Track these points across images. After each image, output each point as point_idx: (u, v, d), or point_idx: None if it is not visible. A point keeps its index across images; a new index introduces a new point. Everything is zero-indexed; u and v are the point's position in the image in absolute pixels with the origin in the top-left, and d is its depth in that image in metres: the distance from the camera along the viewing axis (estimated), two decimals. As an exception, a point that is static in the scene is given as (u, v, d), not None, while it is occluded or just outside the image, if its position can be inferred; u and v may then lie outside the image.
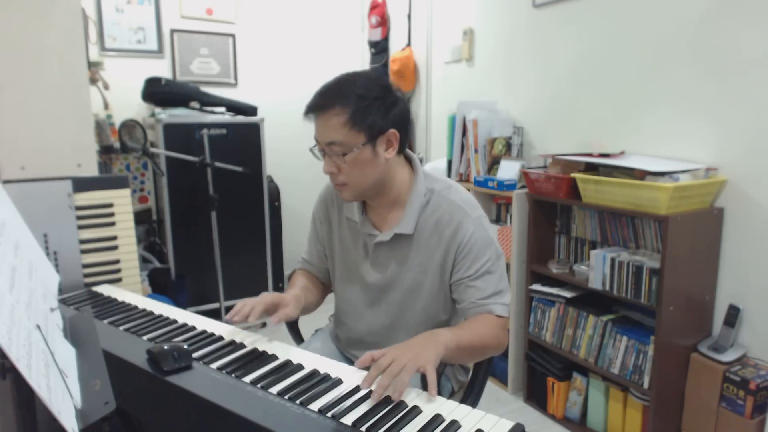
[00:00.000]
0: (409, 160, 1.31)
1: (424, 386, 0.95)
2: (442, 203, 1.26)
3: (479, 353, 1.22)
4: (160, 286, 2.88)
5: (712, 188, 1.94)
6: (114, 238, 1.72)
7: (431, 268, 1.26)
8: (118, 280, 1.71)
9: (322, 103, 1.16)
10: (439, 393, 0.95)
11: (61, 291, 1.21)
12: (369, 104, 1.15)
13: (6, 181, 1.61)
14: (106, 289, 1.54)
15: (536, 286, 2.39)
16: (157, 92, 3.05)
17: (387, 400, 0.92)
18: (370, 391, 0.93)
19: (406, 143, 1.25)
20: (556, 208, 2.44)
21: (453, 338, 1.09)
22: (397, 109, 1.20)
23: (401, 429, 0.84)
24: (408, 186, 1.28)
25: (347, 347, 1.43)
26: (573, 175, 2.17)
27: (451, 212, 1.24)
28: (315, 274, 1.48)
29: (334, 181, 1.23)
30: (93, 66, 2.87)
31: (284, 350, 1.12)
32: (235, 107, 3.26)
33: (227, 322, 1.20)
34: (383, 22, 3.77)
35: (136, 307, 1.37)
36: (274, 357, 1.08)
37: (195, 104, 3.10)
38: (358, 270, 1.34)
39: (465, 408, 0.90)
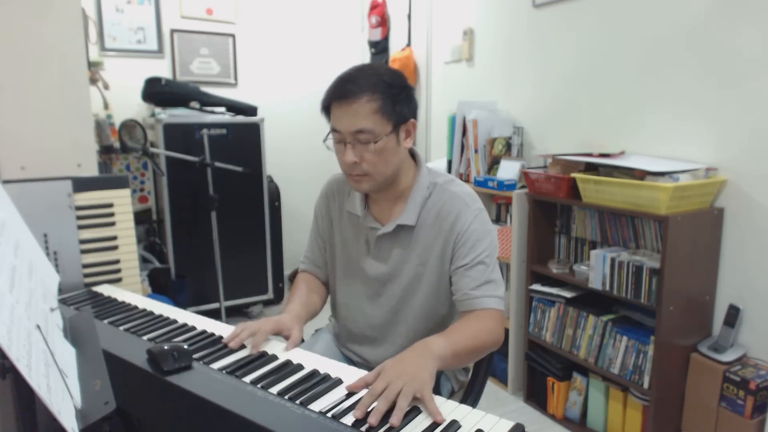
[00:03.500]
0: (412, 155, 1.33)
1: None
2: (444, 195, 1.28)
3: (477, 353, 1.21)
4: (160, 286, 2.88)
5: (712, 188, 1.94)
6: (114, 238, 1.72)
7: (431, 259, 1.27)
8: (118, 280, 1.71)
9: (352, 91, 1.14)
10: (439, 393, 0.95)
11: (61, 291, 1.21)
12: (397, 93, 1.18)
13: (6, 181, 1.61)
14: (106, 289, 1.54)
15: (536, 286, 2.39)
16: (157, 92, 3.05)
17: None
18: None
19: None
20: (556, 208, 2.44)
21: (447, 346, 1.06)
22: (414, 100, 1.24)
23: (401, 429, 0.84)
24: (412, 179, 1.30)
25: (347, 343, 1.43)
26: (573, 175, 2.17)
27: (451, 203, 1.26)
28: (316, 273, 1.47)
29: (354, 172, 1.20)
30: (93, 66, 2.86)
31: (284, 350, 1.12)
32: (235, 107, 3.26)
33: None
34: (383, 22, 3.77)
35: (136, 307, 1.37)
36: (274, 357, 1.08)
37: (195, 104, 3.10)
38: (359, 264, 1.35)
39: (465, 408, 0.90)
